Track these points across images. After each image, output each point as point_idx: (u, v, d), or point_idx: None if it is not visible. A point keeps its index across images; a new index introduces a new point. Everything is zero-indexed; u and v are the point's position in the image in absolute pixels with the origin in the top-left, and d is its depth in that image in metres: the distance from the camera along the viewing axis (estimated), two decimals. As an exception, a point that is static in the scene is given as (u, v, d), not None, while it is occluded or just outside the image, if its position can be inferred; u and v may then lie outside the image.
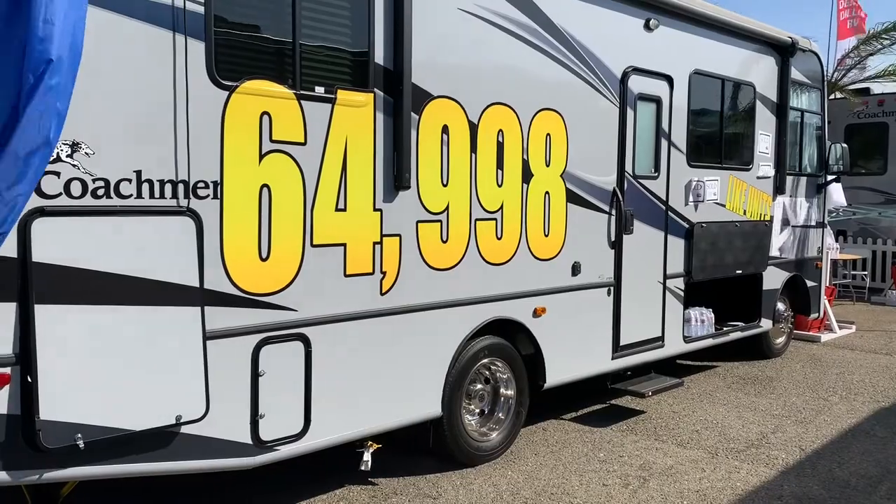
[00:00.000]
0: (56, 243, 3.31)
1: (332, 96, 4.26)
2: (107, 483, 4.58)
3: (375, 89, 4.47)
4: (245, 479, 4.99)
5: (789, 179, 8.36)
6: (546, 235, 5.64)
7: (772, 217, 8.14)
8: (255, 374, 4.03)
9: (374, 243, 4.55)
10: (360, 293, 4.50)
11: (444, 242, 4.94)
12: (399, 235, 4.67)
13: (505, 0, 5.18)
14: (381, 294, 4.61)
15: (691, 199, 7.01)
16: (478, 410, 5.50)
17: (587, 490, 5.00)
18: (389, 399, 4.72)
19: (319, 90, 4.21)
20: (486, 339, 5.31)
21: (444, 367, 5.03)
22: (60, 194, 3.34)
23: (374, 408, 4.64)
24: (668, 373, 7.07)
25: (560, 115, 5.66)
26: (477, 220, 5.12)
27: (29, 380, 3.25)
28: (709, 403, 7.02)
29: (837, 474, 5.33)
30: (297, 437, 4.25)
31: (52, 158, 3.27)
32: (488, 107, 5.13)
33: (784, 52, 8.08)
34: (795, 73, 8.30)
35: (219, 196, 3.83)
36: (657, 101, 6.59)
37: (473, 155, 5.06)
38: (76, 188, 3.38)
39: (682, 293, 7.01)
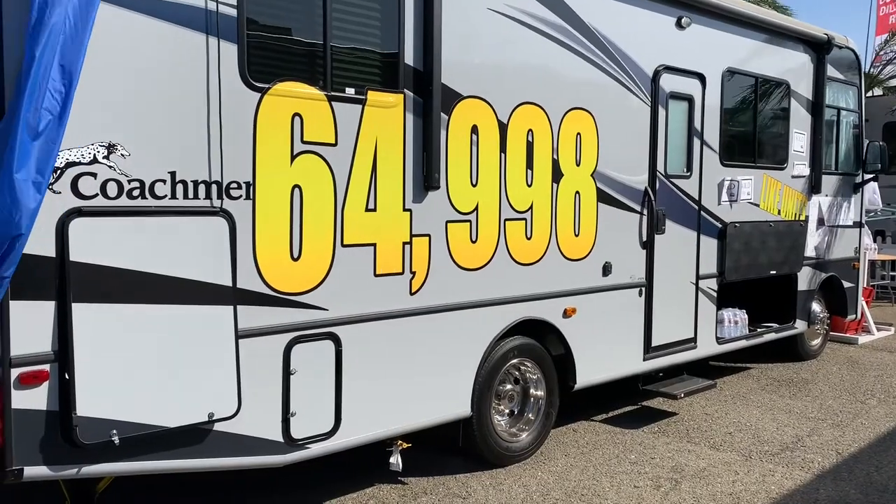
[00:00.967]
0: (92, 243, 3.37)
1: (363, 97, 4.29)
2: (141, 480, 4.66)
3: (405, 90, 4.48)
4: (276, 476, 5.04)
5: (825, 178, 8.21)
6: (576, 235, 5.61)
7: (807, 217, 8.01)
8: (287, 373, 4.07)
9: (404, 243, 4.56)
10: (390, 293, 4.51)
11: (474, 242, 4.94)
12: (428, 235, 4.68)
13: (535, -1, 5.17)
14: (411, 294, 4.62)
15: (724, 198, 6.92)
16: (507, 411, 5.49)
17: (618, 492, 4.96)
18: (419, 398, 4.73)
19: (350, 91, 4.23)
20: (515, 339, 5.29)
21: (474, 367, 5.03)
22: (97, 195, 3.40)
23: (403, 407, 4.65)
24: (701, 374, 6.99)
25: (591, 114, 5.63)
26: (506, 220, 5.12)
27: (66, 377, 3.32)
28: (742, 405, 6.92)
29: (875, 479, 5.23)
30: (328, 435, 4.27)
31: (88, 160, 3.35)
32: (518, 106, 5.11)
33: (819, 48, 7.95)
34: (831, 70, 8.15)
35: (251, 197, 3.88)
36: (689, 100, 6.52)
37: (503, 155, 5.05)
38: (112, 189, 3.44)
39: (714, 294, 6.92)
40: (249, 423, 3.91)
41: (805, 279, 8.10)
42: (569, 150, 5.49)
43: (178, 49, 3.60)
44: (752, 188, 7.21)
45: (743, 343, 7.44)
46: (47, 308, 3.30)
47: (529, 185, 5.24)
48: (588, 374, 5.76)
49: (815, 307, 8.54)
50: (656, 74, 6.15)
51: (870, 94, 14.54)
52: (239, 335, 3.82)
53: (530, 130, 5.21)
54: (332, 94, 4.15)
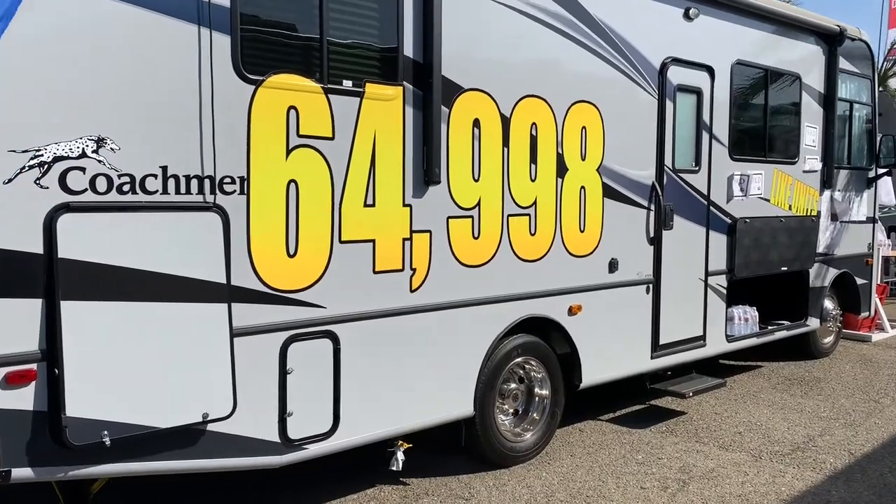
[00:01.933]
0: (81, 239, 3.29)
1: (361, 90, 4.19)
2: (137, 480, 4.59)
3: (404, 82, 4.39)
4: (274, 477, 4.97)
5: (837, 173, 8.07)
6: (581, 231, 5.50)
7: (819, 212, 7.87)
8: (283, 372, 3.99)
9: (404, 239, 4.47)
10: (390, 290, 4.42)
11: (476, 238, 4.84)
12: (429, 231, 4.59)
13: (538, -10, 5.07)
14: (411, 291, 4.53)
15: (734, 193, 6.80)
16: (511, 410, 5.39)
17: (624, 493, 4.86)
18: (420, 398, 4.64)
19: (347, 84, 4.14)
20: (519, 337, 5.20)
21: (476, 365, 4.94)
22: (86, 190, 3.32)
23: (404, 406, 4.56)
24: (710, 373, 6.89)
25: (596, 107, 5.51)
26: (509, 215, 5.01)
27: (56, 374, 3.24)
28: (752, 405, 6.80)
29: (889, 480, 5.10)
30: (326, 435, 4.19)
31: (77, 154, 3.27)
32: (521, 99, 5.01)
33: (831, 41, 7.80)
34: (843, 63, 8.00)
35: (245, 192, 3.80)
36: (698, 93, 6.39)
37: (505, 149, 4.95)
38: (101, 184, 3.36)
39: (724, 291, 6.80)
40: (245, 423, 3.83)
41: (817, 276, 7.96)
42: (573, 145, 5.38)
43: (169, 40, 3.52)
44: (762, 183, 7.08)
45: (753, 341, 7.31)
46: (35, 306, 3.23)
47: (533, 180, 5.14)
48: (594, 372, 5.66)
49: (828, 304, 8.41)
50: (664, 67, 6.03)
51: (883, 87, 14.34)
52: (234, 333, 3.74)
53: (534, 124, 5.10)
54: (329, 86, 4.06)
